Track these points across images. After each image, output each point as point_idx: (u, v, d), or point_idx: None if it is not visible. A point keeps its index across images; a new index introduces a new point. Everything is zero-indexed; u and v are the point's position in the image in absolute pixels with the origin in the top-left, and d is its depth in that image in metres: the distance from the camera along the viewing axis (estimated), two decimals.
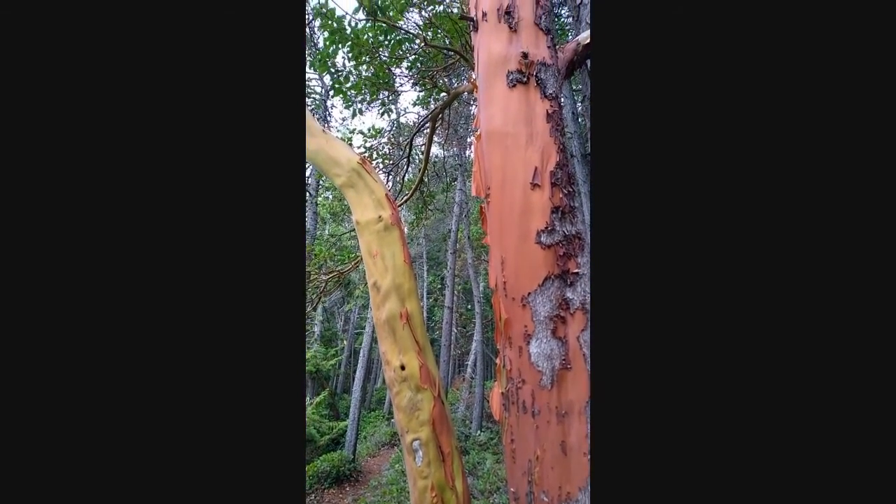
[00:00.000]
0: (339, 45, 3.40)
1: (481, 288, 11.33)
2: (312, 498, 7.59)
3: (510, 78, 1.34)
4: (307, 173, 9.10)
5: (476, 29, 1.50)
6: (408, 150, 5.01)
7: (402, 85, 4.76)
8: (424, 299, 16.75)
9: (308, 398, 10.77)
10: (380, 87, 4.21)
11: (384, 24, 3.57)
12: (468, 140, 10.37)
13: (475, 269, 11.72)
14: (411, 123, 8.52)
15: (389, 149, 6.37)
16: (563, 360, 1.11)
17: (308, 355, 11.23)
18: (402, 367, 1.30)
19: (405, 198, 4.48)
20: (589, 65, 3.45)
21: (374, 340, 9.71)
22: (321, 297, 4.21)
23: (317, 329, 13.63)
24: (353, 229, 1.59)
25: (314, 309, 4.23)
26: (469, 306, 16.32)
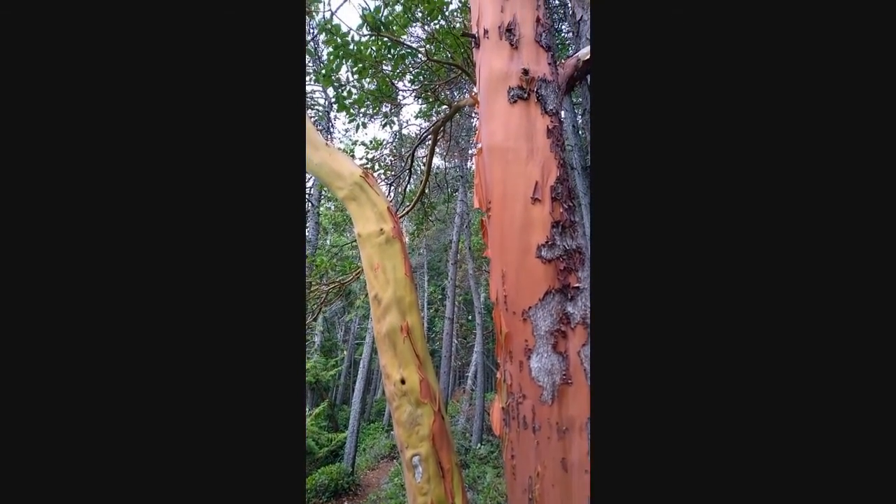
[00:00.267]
0: (343, 60, 3.46)
1: (482, 299, 11.30)
2: None
3: (511, 94, 1.36)
4: (310, 183, 9.16)
5: (478, 46, 1.53)
6: (410, 161, 5.06)
7: (404, 98, 4.82)
8: (425, 309, 16.70)
9: (307, 409, 10.67)
10: (382, 100, 4.26)
11: (387, 40, 3.63)
12: (470, 152, 10.45)
13: (476, 280, 11.71)
14: (413, 135, 8.60)
15: (392, 160, 6.42)
16: (564, 375, 1.10)
17: (308, 366, 11.15)
18: (403, 381, 1.30)
19: (407, 209, 4.50)
20: (589, 80, 3.49)
21: (374, 351, 9.65)
22: (322, 307, 4.21)
23: (317, 339, 13.57)
24: (355, 240, 1.60)
25: (315, 319, 4.22)
26: (470, 317, 16.25)
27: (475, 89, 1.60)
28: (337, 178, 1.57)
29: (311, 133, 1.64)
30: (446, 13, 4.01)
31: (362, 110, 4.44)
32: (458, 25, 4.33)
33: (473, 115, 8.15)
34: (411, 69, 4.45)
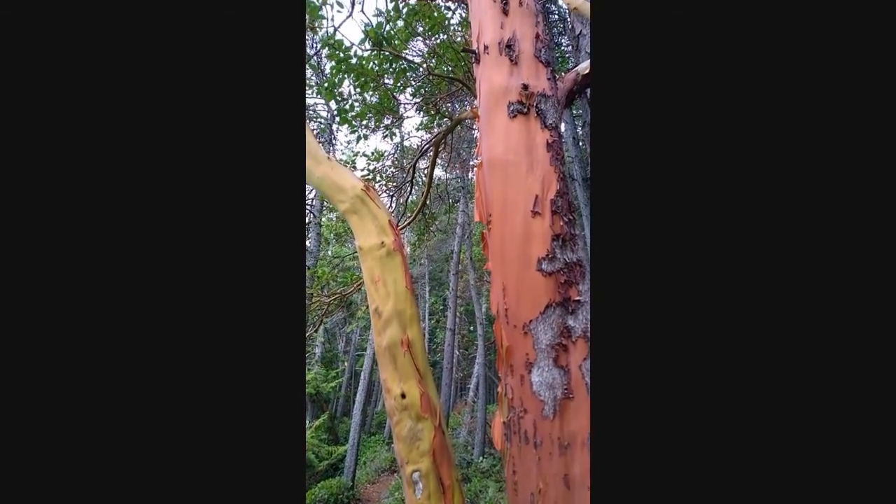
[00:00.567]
0: (346, 74, 3.51)
1: (484, 309, 11.25)
2: None
3: (511, 109, 1.37)
4: (311, 194, 9.21)
5: (478, 61, 1.55)
6: (411, 172, 5.09)
7: (406, 111, 4.87)
8: (426, 320, 16.63)
9: (307, 421, 10.57)
10: (384, 112, 4.31)
11: (389, 54, 3.69)
12: (470, 163, 10.52)
13: (478, 291, 11.68)
14: (415, 147, 8.67)
15: (393, 171, 6.47)
16: (566, 389, 1.10)
17: (308, 377, 11.07)
18: (403, 396, 1.29)
19: (408, 220, 4.51)
20: (589, 93, 3.53)
21: (375, 363, 9.58)
22: (323, 318, 4.20)
23: (318, 350, 13.49)
24: (357, 251, 1.60)
25: (316, 331, 4.20)
26: (471, 328, 16.18)
27: (476, 102, 1.62)
28: (339, 192, 1.58)
29: (314, 147, 1.66)
30: (447, 28, 4.07)
31: (364, 122, 4.49)
32: (459, 40, 4.39)
33: (474, 126, 8.23)
34: (413, 82, 4.51)
